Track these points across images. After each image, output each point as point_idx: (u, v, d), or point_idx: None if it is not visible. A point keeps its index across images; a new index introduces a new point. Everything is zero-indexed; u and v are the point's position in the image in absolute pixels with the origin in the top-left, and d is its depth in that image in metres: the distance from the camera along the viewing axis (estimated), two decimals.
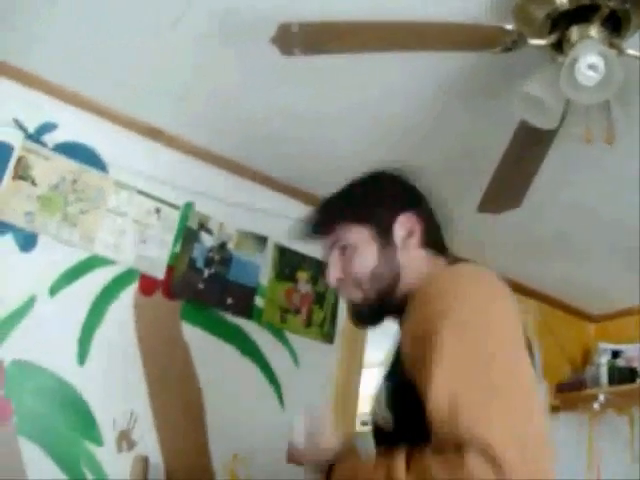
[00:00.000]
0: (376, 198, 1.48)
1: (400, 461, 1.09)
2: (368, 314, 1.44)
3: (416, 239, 1.43)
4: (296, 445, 1.44)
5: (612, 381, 3.64)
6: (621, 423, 3.77)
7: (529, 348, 1.24)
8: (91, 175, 2.72)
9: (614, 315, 4.09)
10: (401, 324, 1.31)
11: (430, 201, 1.51)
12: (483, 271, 1.28)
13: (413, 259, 1.42)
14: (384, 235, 1.42)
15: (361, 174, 1.54)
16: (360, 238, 1.43)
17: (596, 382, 3.72)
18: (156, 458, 2.59)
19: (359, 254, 1.42)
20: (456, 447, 1.02)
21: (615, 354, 3.77)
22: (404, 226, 1.43)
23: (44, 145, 2.65)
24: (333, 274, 1.45)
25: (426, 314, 1.19)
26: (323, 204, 1.54)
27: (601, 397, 3.61)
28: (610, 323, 4.13)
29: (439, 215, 1.51)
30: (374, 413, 1.36)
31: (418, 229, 1.44)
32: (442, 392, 1.07)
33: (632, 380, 3.58)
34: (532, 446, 1.03)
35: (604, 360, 3.74)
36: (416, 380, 1.15)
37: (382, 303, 1.40)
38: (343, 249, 1.44)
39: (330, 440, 1.36)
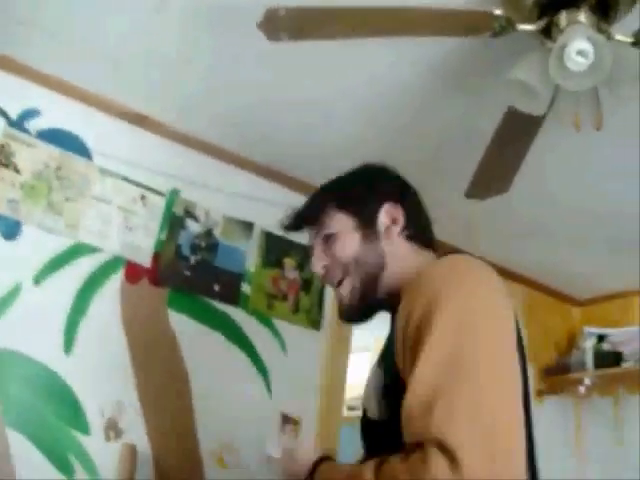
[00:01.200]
0: (361, 187, 1.50)
1: (369, 467, 1.13)
2: (357, 309, 1.45)
3: (399, 228, 1.45)
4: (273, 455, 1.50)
5: (597, 365, 3.67)
6: (606, 407, 3.80)
7: (519, 337, 1.26)
8: (75, 162, 2.69)
9: (599, 299, 4.12)
10: (394, 315, 1.31)
11: (417, 196, 1.53)
12: (475, 263, 1.28)
13: (397, 248, 1.44)
14: (368, 223, 1.45)
15: (350, 168, 1.57)
16: (343, 226, 1.45)
17: (581, 366, 3.74)
18: (144, 446, 2.58)
19: (342, 241, 1.44)
20: (419, 446, 1.04)
21: (600, 338, 3.80)
22: (388, 214, 1.45)
23: (27, 132, 2.61)
24: (317, 262, 1.48)
25: (418, 306, 1.18)
26: (310, 196, 1.56)
27: (587, 381, 3.63)
28: (595, 307, 4.15)
29: (426, 210, 1.53)
30: (365, 400, 1.36)
31: (402, 219, 1.45)
32: (422, 387, 1.08)
33: (617, 364, 3.60)
34: (503, 457, 1.03)
35: (589, 344, 3.76)
36: (404, 371, 1.16)
37: (368, 294, 1.41)
38: (327, 238, 1.47)
39: (308, 453, 1.40)
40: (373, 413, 1.30)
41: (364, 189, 1.49)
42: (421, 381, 1.08)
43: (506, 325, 1.19)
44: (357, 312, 1.46)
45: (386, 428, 1.22)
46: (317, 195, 1.55)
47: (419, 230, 1.48)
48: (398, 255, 1.42)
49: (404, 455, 1.07)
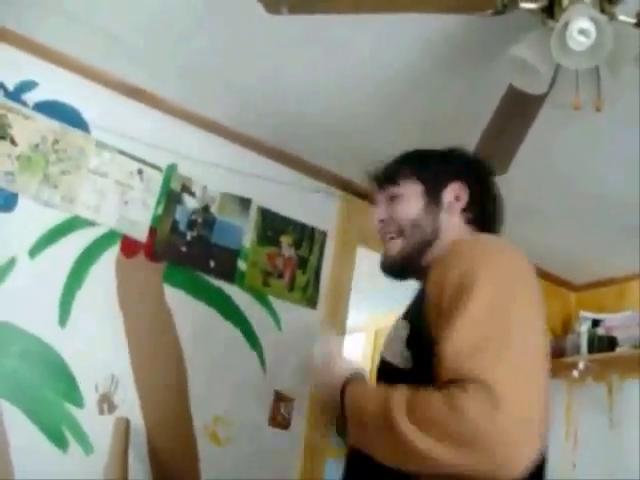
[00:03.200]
0: (439, 161, 1.58)
1: (399, 400, 1.14)
2: (399, 266, 1.52)
3: (460, 206, 1.52)
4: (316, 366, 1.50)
5: (592, 349, 3.68)
6: (599, 391, 3.81)
7: None
8: (72, 135, 2.68)
9: (595, 284, 4.13)
10: (428, 273, 1.36)
11: (492, 187, 1.60)
12: (509, 242, 1.36)
13: (454, 225, 1.51)
14: (434, 194, 1.52)
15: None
16: (411, 190, 1.53)
17: (576, 350, 3.75)
18: (138, 420, 2.59)
19: (406, 203, 1.52)
20: (460, 383, 1.08)
21: (595, 323, 3.81)
22: (453, 191, 1.52)
23: (24, 104, 2.60)
24: (378, 214, 1.57)
25: (457, 266, 1.25)
26: (391, 161, 1.62)
27: (581, 365, 3.64)
28: (591, 292, 4.16)
29: (496, 203, 1.60)
30: (386, 349, 1.41)
31: (465, 199, 1.52)
32: (465, 337, 1.13)
33: (611, 349, 3.61)
34: (531, 404, 1.09)
35: (584, 329, 3.78)
36: (436, 323, 1.22)
37: (414, 257, 1.49)
38: (392, 198, 1.55)
39: (343, 366, 1.40)
40: (394, 359, 1.35)
41: (441, 163, 1.57)
42: (471, 328, 1.14)
43: (538, 295, 1.26)
44: (397, 269, 1.53)
45: (406, 376, 1.27)
46: (399, 158, 1.61)
47: (480, 216, 1.55)
48: (453, 231, 1.49)
49: (437, 388, 1.12)
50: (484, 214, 1.56)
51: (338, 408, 1.32)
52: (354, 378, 1.35)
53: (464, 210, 1.52)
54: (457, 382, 1.09)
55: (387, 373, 1.39)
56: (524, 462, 1.05)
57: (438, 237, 1.48)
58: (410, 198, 1.52)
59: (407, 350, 1.31)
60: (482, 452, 1.04)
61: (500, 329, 1.14)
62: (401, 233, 1.50)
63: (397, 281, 1.56)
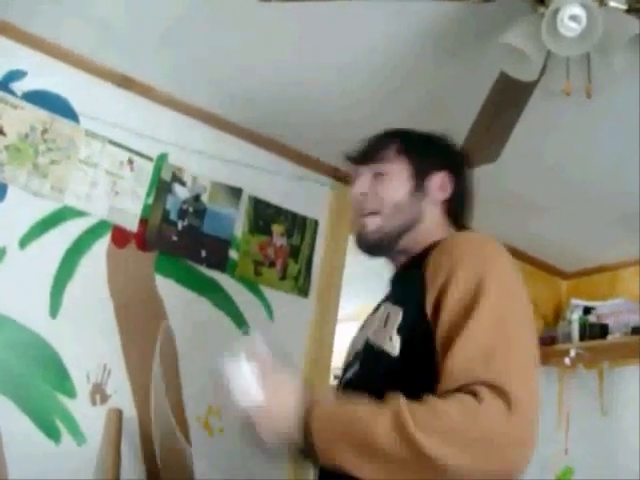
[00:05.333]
0: (430, 147, 1.56)
1: (410, 409, 1.09)
2: (372, 244, 1.49)
3: (443, 197, 1.51)
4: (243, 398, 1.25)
5: (583, 337, 3.70)
6: (591, 378, 3.83)
7: None
8: (62, 125, 2.66)
9: (586, 272, 4.14)
10: (406, 269, 1.42)
11: (470, 184, 1.59)
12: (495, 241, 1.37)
13: (434, 215, 1.50)
14: (420, 180, 1.50)
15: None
16: (398, 171, 1.50)
17: (567, 338, 3.77)
18: (130, 410, 2.59)
19: (392, 183, 1.49)
20: (474, 395, 1.08)
21: (587, 310, 3.82)
22: (439, 180, 1.51)
23: (12, 93, 2.58)
24: (359, 186, 1.53)
25: (470, 267, 1.25)
26: (380, 133, 1.59)
27: (572, 352, 3.66)
28: (582, 280, 4.18)
29: (471, 199, 1.59)
30: (374, 332, 1.39)
31: (449, 190, 1.52)
32: (477, 344, 1.14)
33: (603, 336, 3.63)
34: (537, 405, 1.12)
35: (576, 316, 3.79)
36: (439, 319, 1.22)
37: (389, 240, 1.47)
38: (377, 175, 1.51)
39: (291, 385, 1.25)
40: (383, 343, 1.32)
41: (428, 148, 1.55)
42: (482, 335, 1.15)
43: (528, 299, 1.29)
44: (370, 246, 1.50)
45: (394, 362, 1.27)
46: (387, 133, 1.59)
47: (457, 210, 1.55)
48: (432, 220, 1.49)
49: (443, 397, 1.11)
50: (461, 208, 1.57)
51: (297, 436, 1.17)
52: (315, 399, 1.21)
53: (445, 201, 1.52)
54: (469, 389, 1.09)
55: (373, 358, 1.36)
56: (529, 461, 1.08)
57: (418, 224, 1.47)
58: (397, 179, 1.49)
59: (397, 336, 1.30)
60: (500, 457, 1.06)
61: (508, 335, 1.17)
62: (380, 212, 1.48)
63: (370, 257, 1.54)
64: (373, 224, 1.48)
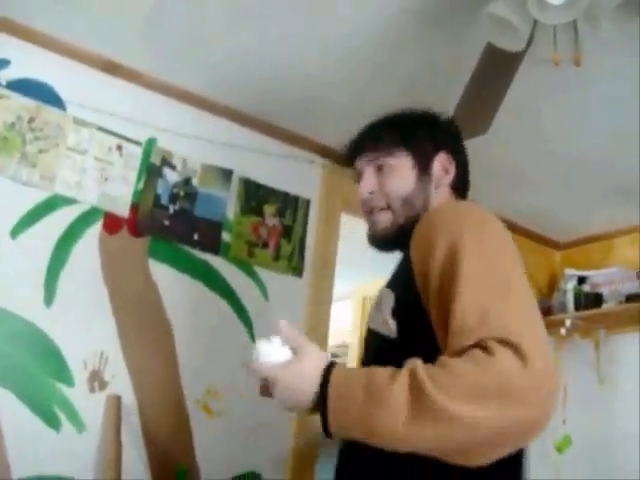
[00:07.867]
0: (425, 131, 1.55)
1: (425, 371, 1.08)
2: (391, 239, 1.50)
3: (449, 179, 1.53)
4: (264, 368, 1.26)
5: (578, 306, 3.72)
6: (587, 347, 3.85)
7: None
8: (49, 113, 2.63)
9: (579, 242, 4.15)
10: (411, 244, 1.35)
11: (465, 148, 1.60)
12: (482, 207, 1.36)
13: (441, 196, 1.51)
14: (423, 166, 1.51)
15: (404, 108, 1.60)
16: (402, 162, 1.50)
17: (563, 308, 3.79)
18: (129, 396, 2.59)
19: (399, 176, 1.50)
20: (483, 349, 1.07)
21: (581, 280, 3.84)
22: (442, 163, 1.53)
23: None
24: (366, 185, 1.52)
25: (441, 231, 1.25)
26: (373, 124, 1.58)
27: (568, 322, 3.67)
28: (575, 250, 4.19)
29: (468, 163, 1.61)
30: (371, 318, 1.40)
31: (452, 170, 1.53)
32: (471, 305, 1.13)
33: (598, 305, 3.65)
34: (547, 350, 1.11)
35: (570, 286, 3.81)
36: (429, 293, 1.22)
37: (406, 231, 1.42)
38: (380, 168, 1.51)
39: (314, 353, 1.25)
40: (381, 327, 1.34)
41: (426, 131, 1.54)
42: (469, 301, 1.14)
43: (518, 256, 1.27)
44: (389, 242, 1.51)
45: (393, 345, 1.29)
46: (382, 124, 1.57)
47: (461, 181, 1.57)
48: (439, 201, 1.50)
49: (455, 357, 1.10)
50: (464, 178, 1.59)
51: (317, 399, 1.17)
52: (333, 362, 1.21)
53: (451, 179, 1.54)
54: (478, 346, 1.09)
55: (375, 342, 1.38)
56: (554, 403, 1.09)
57: (427, 210, 1.46)
58: (401, 171, 1.49)
59: (392, 319, 1.31)
60: (522, 401, 1.05)
61: (501, 288, 1.16)
62: (390, 206, 1.49)
63: (385, 253, 1.54)
64: (386, 220, 1.49)
